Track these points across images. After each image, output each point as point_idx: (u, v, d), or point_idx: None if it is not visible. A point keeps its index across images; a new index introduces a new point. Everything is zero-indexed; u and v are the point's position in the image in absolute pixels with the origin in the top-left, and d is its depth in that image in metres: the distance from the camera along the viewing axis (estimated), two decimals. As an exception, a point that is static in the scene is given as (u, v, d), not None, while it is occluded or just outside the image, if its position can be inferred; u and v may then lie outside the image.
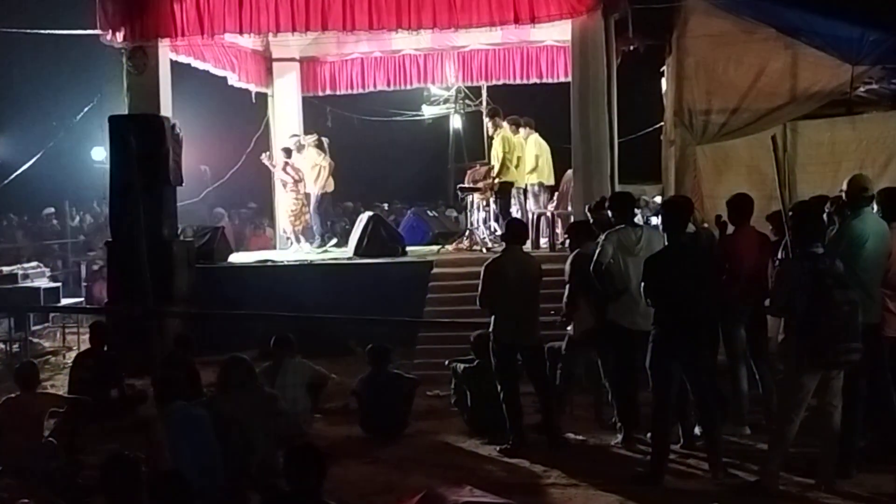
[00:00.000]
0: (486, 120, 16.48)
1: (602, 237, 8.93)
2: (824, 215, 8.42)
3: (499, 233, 13.97)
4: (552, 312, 9.72)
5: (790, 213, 7.75)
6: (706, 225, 10.40)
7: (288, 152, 16.79)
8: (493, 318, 9.11)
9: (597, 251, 8.87)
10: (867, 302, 7.48)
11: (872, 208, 8.07)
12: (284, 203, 17.12)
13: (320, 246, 16.83)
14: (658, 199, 15.90)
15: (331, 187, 17.06)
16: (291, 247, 17.11)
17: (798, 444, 7.57)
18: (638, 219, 9.95)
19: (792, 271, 7.31)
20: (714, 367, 8.42)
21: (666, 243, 8.10)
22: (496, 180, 15.49)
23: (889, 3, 13.61)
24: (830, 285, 7.08)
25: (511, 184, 15.57)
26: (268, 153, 17.26)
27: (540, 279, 9.31)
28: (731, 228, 9.42)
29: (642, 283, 7.98)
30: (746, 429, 8.98)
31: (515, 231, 9.61)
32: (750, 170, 12.86)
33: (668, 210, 8.33)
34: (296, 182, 16.60)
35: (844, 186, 8.24)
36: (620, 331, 8.77)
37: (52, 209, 21.31)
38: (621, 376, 8.94)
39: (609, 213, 9.24)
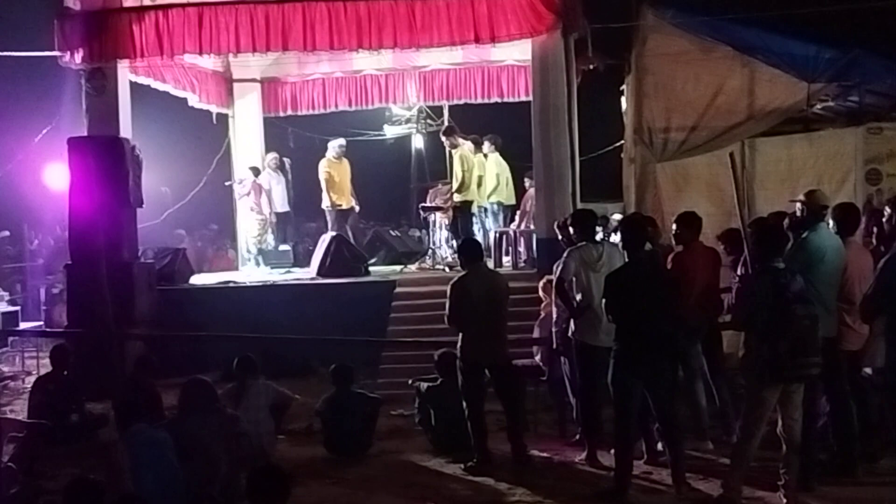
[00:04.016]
0: (442, 138, 16.52)
1: (565, 254, 8.99)
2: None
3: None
4: None
5: (749, 230, 7.82)
6: (663, 242, 10.44)
7: (255, 171, 16.77)
8: (461, 336, 9.10)
9: (559, 268, 8.94)
10: (824, 316, 7.55)
11: (828, 224, 8.19)
12: (247, 225, 17.07)
13: (275, 267, 16.84)
14: (617, 217, 15.98)
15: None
16: (252, 268, 17.08)
17: (759, 457, 7.62)
18: (599, 236, 9.97)
19: (753, 286, 7.37)
20: (675, 382, 8.46)
21: (626, 260, 8.16)
22: (454, 198, 15.52)
23: (843, 22, 13.80)
24: (791, 300, 7.14)
25: (471, 203, 15.60)
26: (238, 180, 17.23)
27: (507, 297, 9.35)
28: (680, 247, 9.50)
29: (603, 300, 8.02)
30: (709, 443, 9.04)
31: (472, 251, 9.56)
32: (710, 187, 12.99)
33: (626, 227, 8.37)
34: (258, 204, 16.64)
35: (799, 203, 8.35)
36: (584, 347, 8.81)
37: (7, 232, 21.10)
38: (585, 392, 8.97)
39: (570, 229, 9.30)
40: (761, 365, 7.22)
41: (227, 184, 18.04)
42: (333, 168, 16.79)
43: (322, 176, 16.71)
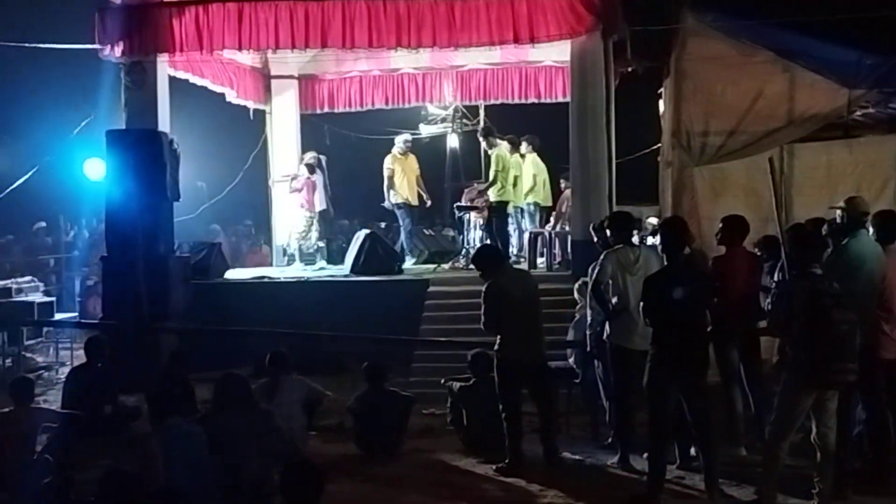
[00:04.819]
0: (480, 138, 16.53)
1: (601, 257, 8.96)
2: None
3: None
4: None
5: (787, 235, 7.77)
6: (696, 247, 10.37)
7: (310, 168, 16.80)
8: (499, 336, 9.06)
9: (596, 270, 8.91)
10: (862, 324, 7.49)
11: (868, 231, 8.12)
12: (294, 221, 17.06)
13: (309, 264, 16.86)
14: (653, 220, 15.90)
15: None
16: (289, 264, 17.11)
17: (793, 465, 7.57)
18: (635, 239, 9.93)
19: (790, 291, 7.31)
20: (707, 387, 8.42)
21: (665, 263, 8.11)
22: (489, 198, 15.51)
23: (886, 28, 13.65)
24: (829, 305, 7.09)
25: (506, 203, 15.57)
26: (292, 175, 17.24)
27: (539, 295, 9.33)
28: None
29: (641, 303, 7.98)
30: (742, 450, 8.98)
31: (492, 258, 9.57)
32: (747, 192, 12.87)
33: (667, 230, 8.31)
34: (309, 201, 16.65)
35: (839, 209, 8.29)
36: (618, 350, 8.78)
37: (44, 223, 21.24)
38: (619, 396, 8.93)
39: (608, 232, 9.26)
40: (797, 370, 7.17)
41: (278, 180, 18.01)
42: (397, 164, 16.84)
43: (385, 172, 16.77)
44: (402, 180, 16.79)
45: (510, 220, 16.09)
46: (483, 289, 9.16)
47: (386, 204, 17.00)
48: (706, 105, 13.51)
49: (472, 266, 15.13)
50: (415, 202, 17.06)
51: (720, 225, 9.53)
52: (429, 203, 17.55)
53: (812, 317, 7.08)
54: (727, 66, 13.37)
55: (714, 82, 13.48)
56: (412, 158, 17.14)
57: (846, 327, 7.10)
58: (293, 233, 17.02)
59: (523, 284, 9.28)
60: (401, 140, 17.14)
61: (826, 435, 7.32)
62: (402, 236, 17.21)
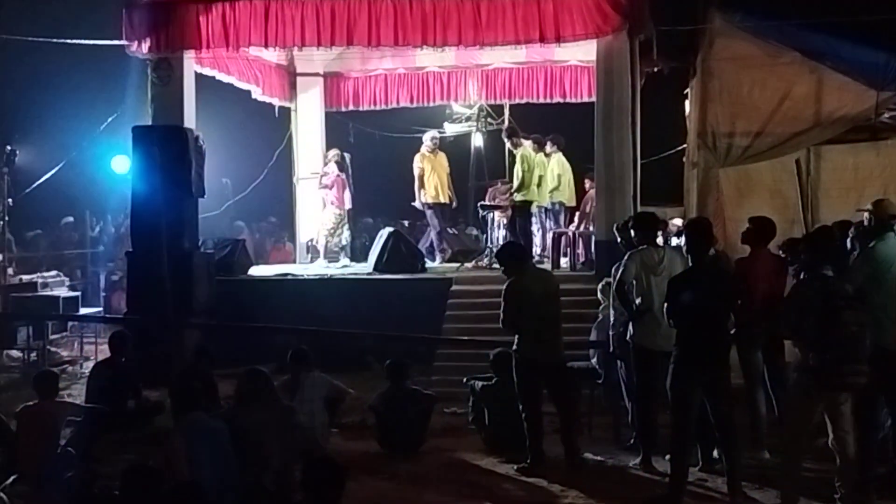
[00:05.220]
0: (504, 138, 16.52)
1: (625, 257, 8.93)
2: (848, 240, 8.41)
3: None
4: None
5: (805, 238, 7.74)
6: (719, 248, 10.32)
7: (339, 166, 16.81)
8: (518, 336, 9.07)
9: (620, 271, 8.88)
10: (889, 327, 7.44)
11: (895, 233, 8.06)
12: (323, 217, 17.05)
13: (332, 261, 16.89)
14: (677, 221, 15.84)
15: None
16: (312, 261, 17.11)
17: (818, 469, 7.55)
18: (659, 240, 9.89)
19: (801, 292, 7.29)
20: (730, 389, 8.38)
21: (689, 264, 8.08)
22: (513, 197, 15.50)
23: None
24: (840, 306, 7.08)
25: (530, 202, 15.55)
26: (322, 172, 17.24)
27: (560, 295, 9.31)
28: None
29: (665, 304, 7.95)
30: (766, 452, 8.92)
31: (519, 254, 9.60)
32: (773, 193, 12.83)
33: (692, 231, 8.28)
34: (339, 198, 16.66)
35: (866, 212, 8.24)
36: (641, 351, 8.75)
37: (71, 218, 21.37)
38: (641, 397, 8.90)
39: (632, 232, 9.23)
40: (808, 372, 7.17)
41: (303, 177, 18.04)
42: (426, 162, 16.84)
43: (415, 171, 16.81)
44: (431, 179, 16.78)
45: (534, 219, 16.05)
46: (504, 286, 9.16)
47: (416, 203, 16.97)
48: (732, 106, 13.46)
49: (495, 265, 15.26)
50: (445, 200, 17.02)
51: (748, 225, 9.47)
52: (455, 203, 17.48)
53: (822, 318, 7.05)
54: (754, 66, 13.33)
55: (741, 83, 13.44)
56: (441, 156, 17.09)
57: (856, 329, 7.08)
58: (322, 230, 17.00)
59: (544, 285, 9.27)
60: (428, 137, 17.10)
61: (843, 439, 7.26)
62: (432, 235, 17.14)
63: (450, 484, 8.63)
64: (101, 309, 17.23)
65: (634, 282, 8.80)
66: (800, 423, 7.32)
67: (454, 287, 14.25)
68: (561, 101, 18.41)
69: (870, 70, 13.06)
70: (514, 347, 9.08)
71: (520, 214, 15.48)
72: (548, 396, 9.21)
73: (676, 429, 7.87)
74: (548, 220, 16.18)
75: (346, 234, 16.97)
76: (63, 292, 16.30)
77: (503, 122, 18.87)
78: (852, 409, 7.27)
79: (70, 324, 16.23)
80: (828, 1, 13.72)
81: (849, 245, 8.50)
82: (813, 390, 7.18)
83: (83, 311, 16.31)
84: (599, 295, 10.49)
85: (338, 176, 16.72)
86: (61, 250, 20.43)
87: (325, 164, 17.22)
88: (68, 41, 16.20)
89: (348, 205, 16.97)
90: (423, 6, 13.81)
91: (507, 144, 16.42)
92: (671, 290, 7.89)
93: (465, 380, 10.25)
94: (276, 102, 18.28)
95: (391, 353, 10.39)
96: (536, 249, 16.07)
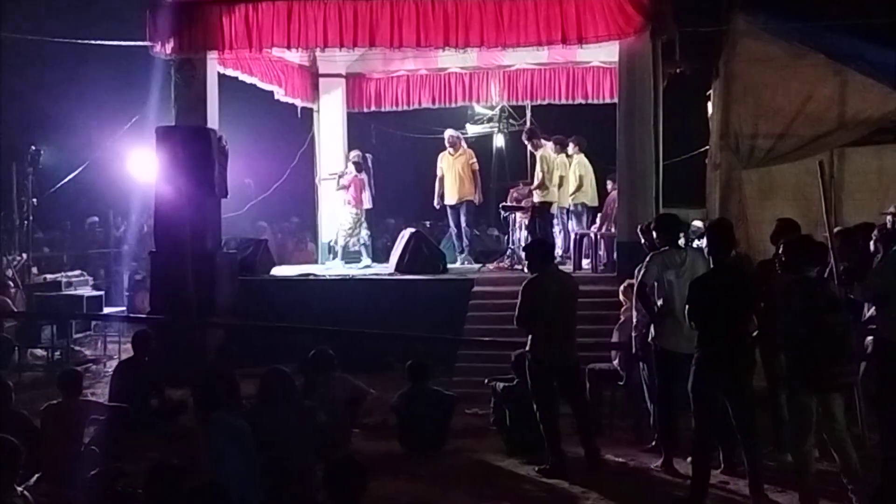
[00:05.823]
0: (524, 140, 16.51)
1: (647, 259, 8.92)
2: (871, 243, 8.38)
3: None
4: None
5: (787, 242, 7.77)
6: (740, 251, 10.29)
7: (358, 167, 16.84)
8: (531, 336, 9.08)
9: (641, 272, 8.88)
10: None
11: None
12: (341, 218, 17.07)
13: (352, 262, 16.90)
14: (699, 223, 15.80)
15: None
16: (336, 261, 17.13)
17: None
18: (681, 241, 9.87)
19: (784, 297, 7.36)
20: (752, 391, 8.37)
21: (712, 266, 8.07)
22: (534, 198, 15.49)
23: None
24: (823, 308, 7.13)
25: (549, 204, 15.54)
26: (340, 172, 17.25)
27: (577, 298, 9.31)
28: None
29: (687, 306, 7.93)
30: (788, 455, 8.86)
31: (546, 251, 9.63)
32: (796, 195, 12.76)
33: (714, 232, 8.27)
34: (356, 198, 16.68)
35: (890, 215, 8.21)
36: (663, 353, 8.74)
37: (96, 218, 21.49)
38: (663, 399, 8.88)
39: (654, 234, 9.22)
40: (799, 374, 7.25)
41: (325, 178, 18.09)
42: (443, 161, 16.85)
43: (438, 173, 16.82)
44: (445, 179, 16.77)
45: (555, 221, 16.03)
46: (522, 284, 9.19)
47: (436, 204, 16.96)
48: (755, 107, 13.39)
49: (517, 266, 15.28)
50: (451, 202, 16.84)
51: (775, 226, 9.44)
52: (478, 200, 17.28)
53: (808, 320, 7.11)
54: (777, 68, 13.25)
55: (764, 85, 13.36)
56: (461, 156, 16.88)
57: (840, 330, 7.15)
58: (340, 230, 17.03)
59: (561, 287, 9.25)
60: (445, 136, 17.07)
61: (840, 439, 7.33)
62: (463, 234, 17.03)
63: (471, 485, 8.64)
64: (124, 308, 17.31)
65: (656, 283, 8.80)
66: (801, 425, 7.38)
67: (475, 288, 14.27)
68: (583, 102, 18.36)
69: (894, 72, 12.99)
70: (527, 348, 9.10)
71: (539, 215, 15.47)
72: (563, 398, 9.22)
73: (698, 431, 7.87)
74: (570, 222, 16.17)
75: (364, 234, 16.95)
76: (87, 291, 16.40)
77: (525, 122, 18.87)
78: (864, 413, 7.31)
79: (94, 323, 16.33)
80: (852, 2, 13.67)
81: (872, 248, 8.47)
82: (804, 392, 7.27)
83: (107, 310, 16.41)
84: (621, 297, 10.48)
85: (356, 176, 16.73)
86: (86, 250, 20.56)
87: (346, 165, 17.25)
88: (92, 42, 16.31)
89: (367, 205, 16.94)
90: (446, 7, 13.82)
91: (528, 146, 16.40)
92: (693, 291, 7.88)
93: (486, 381, 10.27)
94: (299, 103, 18.31)
95: (412, 354, 10.40)
96: (558, 251, 16.05)
